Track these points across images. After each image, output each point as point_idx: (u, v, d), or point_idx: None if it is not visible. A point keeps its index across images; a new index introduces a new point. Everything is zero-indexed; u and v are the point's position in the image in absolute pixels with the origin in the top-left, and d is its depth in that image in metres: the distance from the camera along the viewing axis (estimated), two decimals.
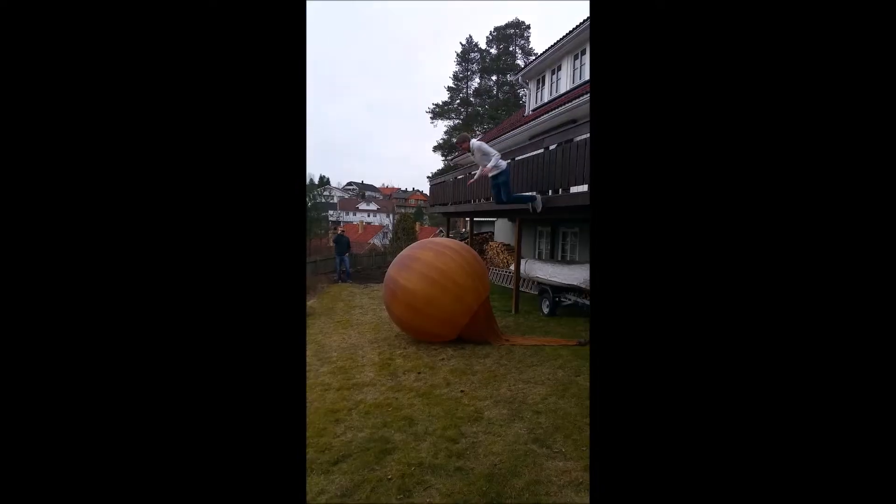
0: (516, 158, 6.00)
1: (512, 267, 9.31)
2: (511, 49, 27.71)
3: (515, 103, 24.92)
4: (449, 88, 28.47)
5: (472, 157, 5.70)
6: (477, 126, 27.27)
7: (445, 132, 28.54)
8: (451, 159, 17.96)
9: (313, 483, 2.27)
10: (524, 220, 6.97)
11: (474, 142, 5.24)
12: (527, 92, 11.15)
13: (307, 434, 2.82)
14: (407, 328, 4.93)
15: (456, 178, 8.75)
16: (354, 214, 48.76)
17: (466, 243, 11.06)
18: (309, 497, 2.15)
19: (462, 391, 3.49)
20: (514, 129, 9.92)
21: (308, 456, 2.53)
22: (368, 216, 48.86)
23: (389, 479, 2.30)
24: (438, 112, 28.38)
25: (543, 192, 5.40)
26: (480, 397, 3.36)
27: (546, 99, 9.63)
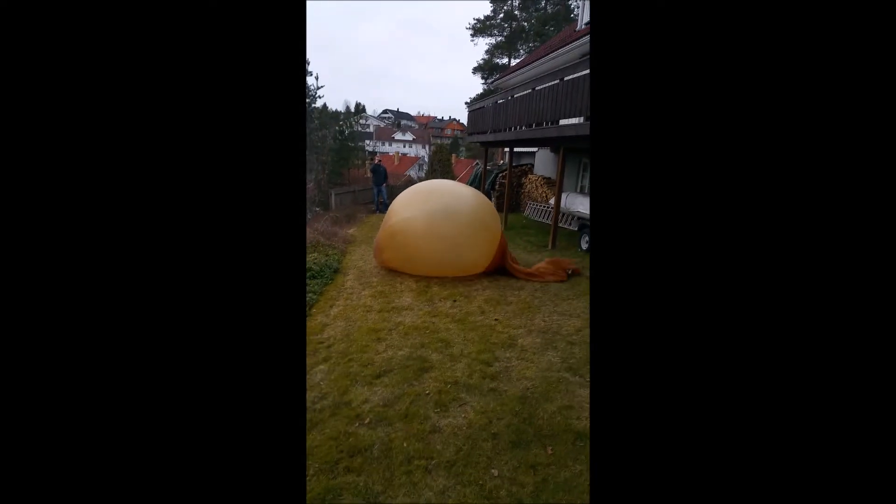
0: (565, 79, 5.47)
1: (551, 201, 9.00)
2: None
3: (566, 17, 22.23)
4: (492, 0, 25.68)
5: None
6: (521, 44, 24.86)
7: (486, 51, 26.33)
8: (492, 82, 16.75)
9: (358, 393, 2.48)
10: (569, 151, 6.55)
11: None
12: (579, 3, 9.84)
13: (352, 350, 3.04)
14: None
15: (496, 102, 8.20)
16: (390, 145, 47.94)
17: (504, 176, 10.72)
18: (354, 405, 2.37)
19: (496, 319, 3.57)
20: (563, 46, 8.95)
21: (352, 369, 2.75)
22: (404, 147, 47.97)
23: (427, 393, 2.47)
24: (479, 28, 25.90)
25: None
26: (514, 326, 3.44)
27: None
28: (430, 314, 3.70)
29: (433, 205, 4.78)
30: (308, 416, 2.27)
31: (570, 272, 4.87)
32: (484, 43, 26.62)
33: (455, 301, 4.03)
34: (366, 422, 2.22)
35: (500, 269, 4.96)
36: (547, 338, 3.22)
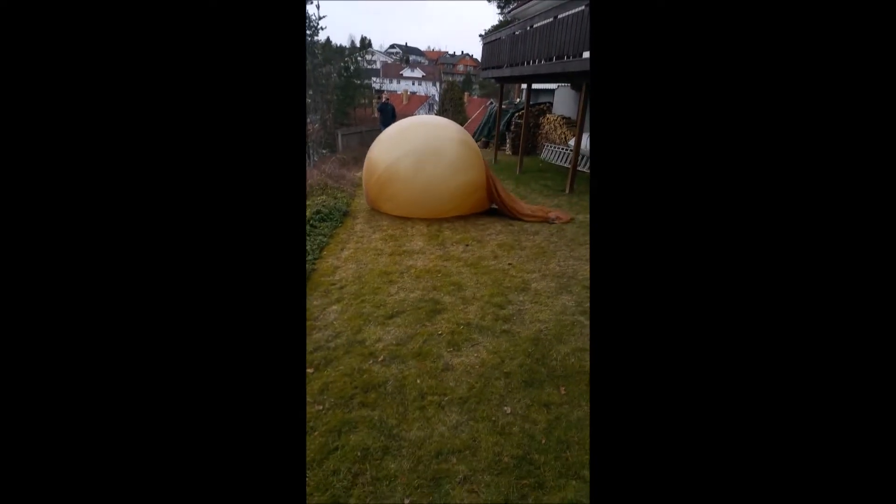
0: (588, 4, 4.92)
1: (571, 142, 8.58)
2: None
3: None
4: None
5: None
6: None
7: None
8: (510, 11, 15.36)
9: (371, 332, 2.49)
10: None
11: None
12: None
13: (364, 291, 3.04)
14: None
15: (514, 33, 7.54)
16: (398, 83, 45.54)
17: (520, 115, 10.17)
18: (368, 343, 2.39)
19: (510, 264, 3.51)
20: None
21: (365, 310, 2.75)
22: (413, 84, 45.65)
23: (440, 334, 2.48)
24: None
25: None
26: (528, 270, 3.39)
27: None
28: (442, 258, 3.65)
29: (413, 144, 4.61)
30: (322, 353, 2.30)
31: (553, 219, 4.76)
32: None
33: (467, 245, 3.96)
34: (379, 359, 2.24)
35: (516, 218, 4.83)
36: (562, 282, 3.16)
